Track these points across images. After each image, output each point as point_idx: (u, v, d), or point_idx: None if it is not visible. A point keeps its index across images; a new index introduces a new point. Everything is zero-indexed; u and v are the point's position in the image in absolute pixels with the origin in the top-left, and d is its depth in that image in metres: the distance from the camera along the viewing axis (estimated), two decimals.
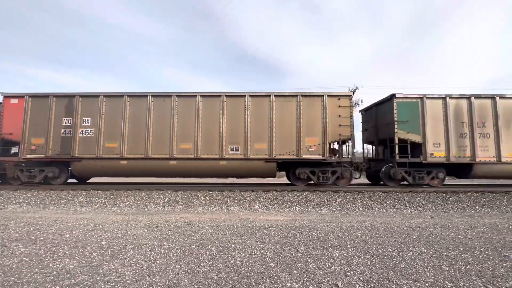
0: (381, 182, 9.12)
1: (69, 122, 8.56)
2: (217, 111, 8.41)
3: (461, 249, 3.49)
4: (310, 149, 8.24)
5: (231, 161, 8.26)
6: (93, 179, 12.58)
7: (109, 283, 2.46)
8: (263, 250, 3.42)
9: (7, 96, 8.70)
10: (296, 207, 6.77)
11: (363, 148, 11.02)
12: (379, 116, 9.69)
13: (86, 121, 8.54)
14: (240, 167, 8.30)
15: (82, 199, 7.31)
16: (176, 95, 8.52)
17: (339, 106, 8.38)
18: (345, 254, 3.26)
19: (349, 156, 8.60)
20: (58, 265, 2.89)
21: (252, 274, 2.68)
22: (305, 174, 8.41)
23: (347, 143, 8.71)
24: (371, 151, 11.39)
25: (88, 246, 3.57)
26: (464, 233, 4.33)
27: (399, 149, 8.39)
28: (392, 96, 8.59)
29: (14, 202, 7.17)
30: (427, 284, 2.45)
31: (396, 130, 8.37)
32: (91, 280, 2.53)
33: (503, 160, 8.08)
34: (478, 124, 8.28)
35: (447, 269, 2.81)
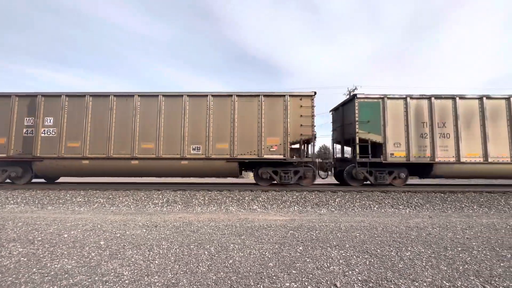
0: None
1: (31, 121, 8.55)
2: (179, 111, 8.44)
3: (459, 249, 3.50)
4: (271, 149, 8.29)
5: (193, 161, 8.30)
6: (92, 179, 12.56)
7: (107, 283, 2.46)
8: (262, 250, 3.42)
9: None
10: (295, 207, 6.77)
11: (333, 148, 11.09)
12: (344, 116, 9.75)
13: (49, 120, 8.53)
14: (202, 167, 8.35)
15: (80, 199, 7.29)
16: (139, 95, 8.55)
17: (301, 106, 8.42)
18: (343, 254, 3.26)
19: (310, 156, 8.65)
20: (56, 265, 2.88)
21: (250, 274, 2.68)
22: (268, 174, 8.48)
23: (312, 143, 8.72)
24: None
25: (86, 246, 3.56)
26: (462, 233, 4.34)
27: (362, 149, 8.46)
28: (354, 96, 8.64)
29: (12, 202, 7.14)
30: (425, 284, 2.46)
31: (357, 130, 8.43)
32: (89, 280, 2.53)
33: (462, 160, 8.13)
34: (438, 124, 8.33)
35: (445, 268, 2.82)
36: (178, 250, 3.41)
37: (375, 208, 6.70)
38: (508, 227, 4.78)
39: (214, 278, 2.58)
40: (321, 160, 9.51)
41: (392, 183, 8.62)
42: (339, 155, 10.87)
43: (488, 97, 8.39)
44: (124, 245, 3.59)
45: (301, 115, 8.37)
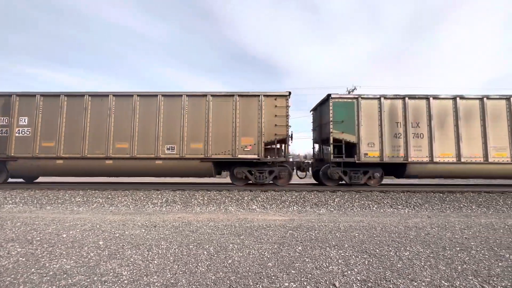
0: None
1: (6, 121, 8.55)
2: (154, 111, 8.44)
3: (458, 248, 3.51)
4: (245, 149, 8.32)
5: (167, 160, 8.31)
6: (91, 179, 12.53)
7: (106, 283, 2.45)
8: (261, 250, 3.42)
9: None
10: (294, 207, 6.78)
11: (313, 148, 11.11)
12: (321, 116, 9.78)
13: (23, 120, 8.53)
14: (176, 166, 8.35)
15: (79, 199, 7.27)
16: (113, 95, 8.55)
17: (276, 106, 8.44)
18: (342, 254, 3.27)
19: (284, 156, 8.66)
20: (54, 265, 2.87)
21: (249, 274, 2.68)
22: (243, 173, 8.51)
23: (287, 143, 8.68)
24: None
25: (85, 246, 3.55)
26: (460, 232, 4.36)
27: (339, 149, 8.50)
28: (329, 96, 8.65)
29: (10, 202, 7.12)
30: (423, 284, 2.47)
31: (331, 130, 8.46)
32: (88, 280, 2.52)
33: (435, 160, 8.16)
34: (412, 124, 8.36)
35: (444, 268, 2.83)
36: (177, 250, 3.41)
37: (374, 208, 6.71)
38: (506, 227, 4.79)
39: (213, 278, 2.58)
40: (299, 160, 9.56)
41: (367, 183, 8.67)
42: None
43: (462, 97, 8.43)
44: (123, 245, 3.58)
45: (275, 115, 8.40)
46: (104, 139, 8.34)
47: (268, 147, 8.69)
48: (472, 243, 3.75)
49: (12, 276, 2.61)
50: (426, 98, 8.42)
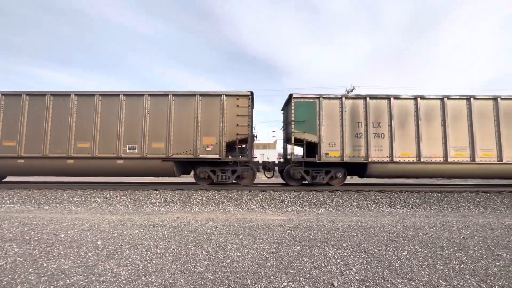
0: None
1: None
2: (116, 110, 8.42)
3: (455, 248, 3.53)
4: (207, 149, 8.32)
5: (129, 160, 8.29)
6: (89, 178, 12.49)
7: (104, 283, 2.45)
8: (260, 249, 3.43)
9: None
10: (293, 207, 6.78)
11: (283, 147, 11.06)
12: (287, 116, 9.78)
13: None
14: (138, 166, 8.34)
15: (77, 199, 7.25)
16: (75, 94, 8.50)
17: (238, 105, 8.44)
18: (341, 254, 3.28)
19: (243, 156, 8.66)
20: (52, 265, 2.86)
21: (248, 273, 2.68)
22: (206, 173, 8.54)
23: (249, 143, 8.70)
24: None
25: (83, 246, 3.54)
26: (458, 232, 4.38)
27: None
28: (291, 96, 8.64)
29: (8, 201, 7.09)
30: (421, 283, 2.48)
31: (292, 130, 8.45)
32: (86, 280, 2.52)
33: (395, 160, 8.17)
34: (373, 124, 8.34)
35: (442, 268, 2.85)
36: (175, 250, 3.40)
37: (372, 208, 6.73)
38: (503, 226, 4.82)
39: (211, 278, 2.58)
40: (264, 160, 9.59)
41: (330, 183, 8.71)
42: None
43: (423, 97, 8.42)
44: (121, 245, 3.58)
45: (237, 115, 8.40)
46: (66, 138, 8.32)
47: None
48: (470, 243, 3.77)
49: (10, 276, 2.60)
50: (387, 98, 8.42)
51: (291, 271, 2.75)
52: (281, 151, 9.30)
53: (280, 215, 5.96)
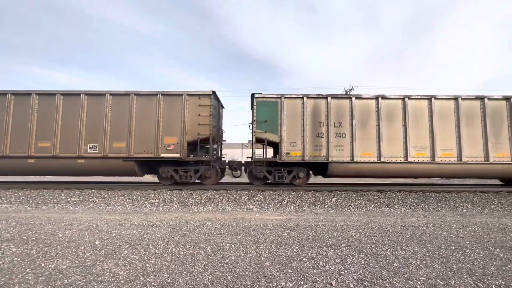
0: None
1: None
2: (77, 110, 8.40)
3: (453, 247, 3.54)
4: (168, 148, 8.32)
5: (90, 159, 8.28)
6: (88, 178, 12.45)
7: (102, 283, 2.44)
8: (258, 249, 3.43)
9: None
10: (292, 207, 6.79)
11: (253, 147, 11.10)
12: (252, 116, 9.72)
13: None
14: (99, 165, 8.33)
15: (75, 199, 7.22)
16: (36, 93, 8.46)
17: (200, 105, 8.44)
18: (339, 253, 3.28)
19: (205, 155, 8.68)
20: (50, 265, 2.85)
21: (247, 273, 2.68)
22: (168, 172, 8.55)
23: (211, 142, 8.70)
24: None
25: (81, 246, 3.53)
26: (456, 232, 4.40)
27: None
28: (252, 96, 8.63)
29: (5, 201, 7.05)
30: (419, 282, 2.49)
31: (254, 129, 8.45)
32: (84, 280, 2.51)
33: (356, 159, 8.19)
34: (335, 124, 8.35)
35: (439, 267, 2.86)
36: (174, 249, 3.40)
37: (371, 208, 6.75)
38: (500, 226, 4.85)
39: (210, 277, 2.58)
40: (231, 160, 9.64)
41: (292, 182, 8.74)
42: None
43: (384, 97, 8.43)
44: (119, 245, 3.57)
45: (199, 114, 8.40)
46: (26, 138, 8.28)
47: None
48: (467, 242, 3.78)
49: (7, 276, 2.58)
50: (349, 97, 8.45)
51: (289, 270, 2.76)
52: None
53: (279, 215, 5.97)
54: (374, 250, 3.42)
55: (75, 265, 2.87)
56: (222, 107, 10.38)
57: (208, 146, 8.85)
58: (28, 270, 2.73)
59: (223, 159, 10.33)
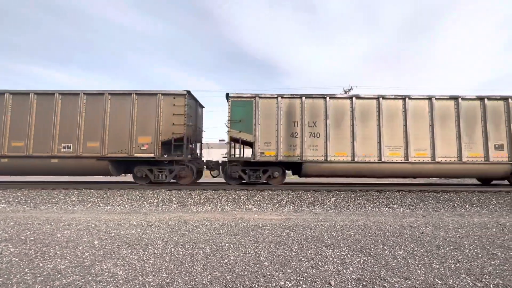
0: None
1: None
2: (51, 109, 8.39)
3: (451, 247, 3.56)
4: (142, 148, 8.34)
5: (63, 159, 8.28)
6: (87, 178, 12.41)
7: (101, 283, 2.44)
8: (257, 249, 3.43)
9: None
10: (291, 206, 6.80)
11: (230, 146, 11.09)
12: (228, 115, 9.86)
13: None
14: (72, 165, 8.34)
15: (74, 198, 7.20)
16: (10, 93, 8.47)
17: (174, 104, 8.47)
18: (338, 253, 3.29)
19: (180, 155, 8.66)
20: (48, 265, 2.84)
21: (245, 273, 2.68)
22: (143, 172, 8.56)
23: (185, 142, 8.68)
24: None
25: (80, 246, 3.52)
26: (454, 231, 4.41)
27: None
28: (227, 96, 8.62)
29: (3, 201, 7.03)
30: (418, 282, 2.49)
31: (229, 129, 8.46)
32: (83, 280, 2.50)
33: (330, 159, 8.21)
34: (309, 123, 8.37)
35: (438, 267, 2.87)
36: (173, 249, 3.40)
37: (369, 208, 6.76)
38: (498, 226, 4.87)
39: (209, 277, 2.58)
40: (209, 160, 9.65)
41: (268, 182, 8.74)
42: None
43: (358, 97, 8.46)
44: (118, 245, 3.56)
45: (173, 114, 8.42)
46: (0, 137, 8.28)
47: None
48: (466, 242, 3.80)
49: (5, 276, 2.57)
50: (323, 97, 8.44)
51: (288, 270, 2.76)
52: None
53: (278, 214, 5.97)
54: (373, 249, 3.43)
55: (74, 265, 2.87)
56: (202, 107, 10.39)
57: (190, 145, 8.84)
58: (26, 270, 2.72)
59: (203, 159, 10.29)
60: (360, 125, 8.34)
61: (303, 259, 3.07)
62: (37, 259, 3.02)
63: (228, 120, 8.43)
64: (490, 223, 5.10)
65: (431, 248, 3.50)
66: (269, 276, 2.61)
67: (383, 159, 8.19)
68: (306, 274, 2.66)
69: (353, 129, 8.30)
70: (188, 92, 8.57)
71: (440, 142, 8.26)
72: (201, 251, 3.32)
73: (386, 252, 3.34)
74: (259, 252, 3.32)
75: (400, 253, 3.31)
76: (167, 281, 2.49)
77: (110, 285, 2.40)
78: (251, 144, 8.54)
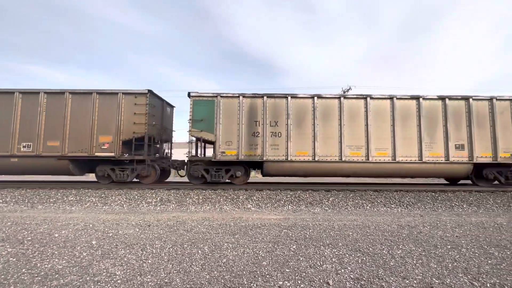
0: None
1: None
2: (11, 108, 8.33)
3: (449, 246, 3.58)
4: (103, 147, 8.31)
5: (23, 158, 8.23)
6: (87, 178, 12.36)
7: (99, 283, 2.43)
8: (256, 249, 3.43)
9: None
10: (289, 206, 6.81)
11: (196, 145, 11.09)
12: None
13: None
14: (32, 164, 8.29)
15: (72, 198, 7.17)
16: None
17: (135, 104, 8.46)
18: (336, 253, 3.30)
19: (140, 154, 8.61)
20: (46, 265, 2.83)
21: (244, 273, 2.69)
22: (105, 171, 8.53)
23: (146, 141, 8.61)
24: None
25: (77, 245, 3.51)
26: (452, 231, 4.44)
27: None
28: (189, 95, 8.56)
29: (0, 201, 6.99)
30: (415, 281, 2.51)
31: (190, 128, 8.40)
32: (81, 280, 2.50)
33: (291, 158, 8.20)
34: (271, 123, 8.34)
35: (435, 266, 2.88)
36: (171, 249, 3.39)
37: (368, 207, 6.78)
38: (495, 225, 4.90)
39: (207, 277, 2.58)
40: (174, 159, 9.60)
41: (232, 181, 8.72)
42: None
43: (320, 97, 8.42)
44: (116, 245, 3.55)
45: (135, 113, 8.41)
46: None
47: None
48: (463, 241, 3.82)
49: (3, 276, 2.56)
50: (285, 97, 8.41)
51: (286, 270, 2.76)
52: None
53: (276, 214, 5.98)
54: (371, 249, 3.44)
55: (72, 265, 2.86)
56: (171, 106, 10.33)
57: (149, 144, 8.72)
58: (23, 270, 2.71)
59: (173, 158, 10.12)
60: (322, 124, 8.32)
61: (301, 259, 3.08)
62: (34, 259, 3.01)
63: (190, 119, 8.36)
64: (487, 222, 5.13)
65: (429, 248, 3.52)
66: (267, 276, 2.61)
67: (343, 159, 8.19)
68: (304, 274, 2.66)
69: (315, 129, 8.27)
70: (150, 91, 8.54)
71: (401, 142, 8.27)
72: (199, 251, 3.32)
73: (384, 251, 3.35)
74: (257, 251, 3.32)
75: (398, 252, 3.32)
76: (166, 281, 2.49)
77: (108, 285, 2.40)
78: (213, 143, 8.51)
